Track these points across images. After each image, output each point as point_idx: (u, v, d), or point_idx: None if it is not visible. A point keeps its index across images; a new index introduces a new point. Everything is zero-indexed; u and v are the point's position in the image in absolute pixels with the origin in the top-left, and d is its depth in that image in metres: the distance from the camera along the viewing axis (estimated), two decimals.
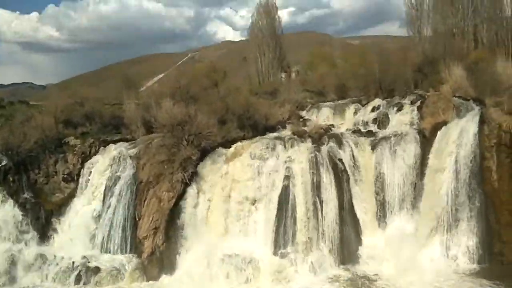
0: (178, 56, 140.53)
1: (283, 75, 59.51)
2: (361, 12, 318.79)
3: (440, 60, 35.75)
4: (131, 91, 40.31)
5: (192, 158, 28.27)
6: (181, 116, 29.45)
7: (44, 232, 29.33)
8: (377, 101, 35.03)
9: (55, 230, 29.50)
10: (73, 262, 26.90)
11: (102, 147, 31.99)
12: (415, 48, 42.17)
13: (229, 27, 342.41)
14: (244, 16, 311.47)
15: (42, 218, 29.61)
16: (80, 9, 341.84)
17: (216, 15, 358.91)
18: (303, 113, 38.14)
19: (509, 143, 25.73)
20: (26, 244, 28.50)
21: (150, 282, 26.32)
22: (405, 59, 38.76)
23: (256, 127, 32.62)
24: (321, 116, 36.70)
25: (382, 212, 28.12)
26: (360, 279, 24.86)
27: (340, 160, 28.42)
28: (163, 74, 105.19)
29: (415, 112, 30.98)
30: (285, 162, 27.97)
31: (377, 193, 28.33)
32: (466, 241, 25.64)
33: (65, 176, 31.29)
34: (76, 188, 30.86)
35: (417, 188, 27.55)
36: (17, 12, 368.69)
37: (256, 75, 57.74)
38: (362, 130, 31.52)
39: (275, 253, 26.35)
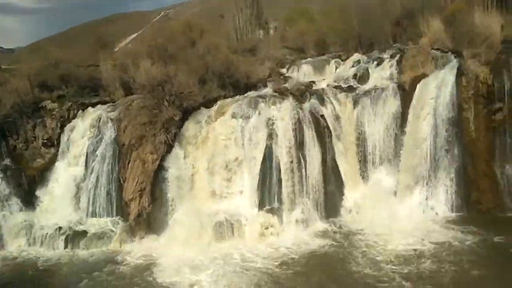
0: (151, 15, 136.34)
1: (261, 32, 58.63)
2: None
3: (418, 13, 35.69)
4: (105, 52, 39.25)
5: (174, 119, 27.94)
6: (160, 76, 28.85)
7: (28, 199, 28.93)
8: (356, 56, 35.05)
9: (38, 195, 29.15)
10: (60, 227, 26.90)
11: (80, 110, 31.12)
12: (393, 2, 41.76)
13: None
14: None
15: (25, 184, 29.16)
16: None
17: None
18: (284, 71, 37.92)
19: (486, 93, 26.40)
20: (10, 211, 28.16)
21: (138, 243, 26.38)
22: (384, 13, 38.61)
23: (237, 86, 32.10)
24: (302, 73, 36.63)
25: (364, 167, 28.78)
26: (344, 233, 25.52)
27: (322, 116, 28.64)
28: (136, 34, 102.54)
29: (395, 66, 31.09)
30: (268, 120, 27.82)
31: (359, 148, 28.87)
32: (444, 191, 26.57)
33: (44, 141, 30.57)
34: (57, 153, 30.29)
35: (397, 142, 28.15)
36: None
37: (233, 33, 56.74)
38: (343, 85, 31.47)
39: (260, 210, 26.60)
